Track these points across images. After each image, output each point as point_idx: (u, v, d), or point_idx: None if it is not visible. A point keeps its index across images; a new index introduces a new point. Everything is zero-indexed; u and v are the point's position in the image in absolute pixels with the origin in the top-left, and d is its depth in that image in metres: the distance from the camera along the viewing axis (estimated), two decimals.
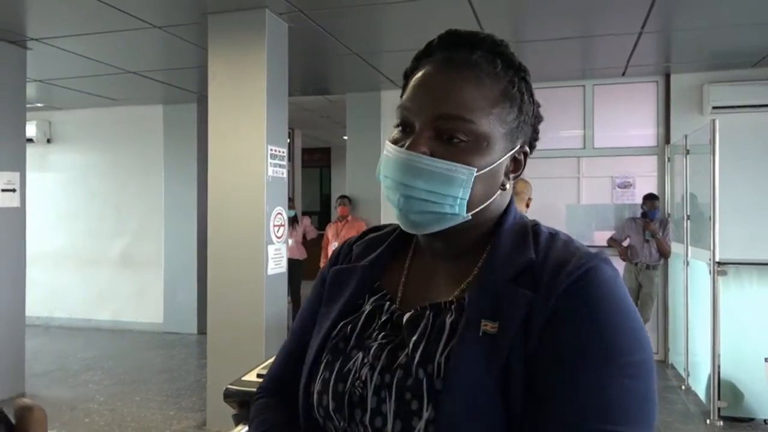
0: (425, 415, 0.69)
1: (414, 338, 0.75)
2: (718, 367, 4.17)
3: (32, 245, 5.82)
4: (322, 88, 6.65)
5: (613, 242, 5.79)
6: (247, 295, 4.02)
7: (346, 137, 7.02)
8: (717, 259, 4.17)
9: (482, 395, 0.67)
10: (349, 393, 0.76)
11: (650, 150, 6.00)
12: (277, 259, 4.14)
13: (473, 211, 0.76)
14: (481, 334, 0.70)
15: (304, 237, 6.96)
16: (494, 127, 0.76)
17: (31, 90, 6.02)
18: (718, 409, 4.15)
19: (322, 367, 0.80)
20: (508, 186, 0.81)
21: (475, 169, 0.74)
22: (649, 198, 5.57)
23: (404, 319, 0.78)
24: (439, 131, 0.75)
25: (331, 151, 12.46)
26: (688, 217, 4.95)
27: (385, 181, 0.78)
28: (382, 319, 0.81)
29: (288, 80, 4.34)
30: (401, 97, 0.82)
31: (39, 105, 7.28)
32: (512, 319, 0.69)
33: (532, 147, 0.84)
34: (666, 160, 5.89)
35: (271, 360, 1.93)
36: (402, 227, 0.81)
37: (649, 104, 5.99)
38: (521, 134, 0.80)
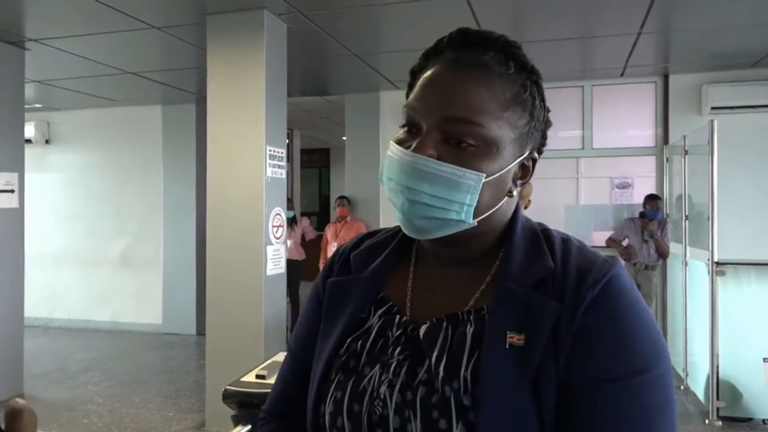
0: None
1: (435, 353, 0.72)
2: (717, 367, 4.17)
3: (31, 246, 5.82)
4: (320, 88, 6.65)
5: (612, 242, 5.80)
6: (246, 296, 4.01)
7: (344, 138, 7.03)
8: (715, 260, 4.17)
9: (517, 411, 0.65)
10: (367, 413, 0.72)
11: (649, 150, 6.01)
12: (275, 259, 4.14)
13: (479, 218, 0.73)
14: (507, 346, 0.68)
15: (302, 238, 6.96)
16: (504, 132, 0.73)
17: (29, 91, 6.02)
18: (717, 409, 4.15)
19: (332, 387, 0.76)
20: (515, 193, 0.78)
21: (484, 175, 0.71)
22: (651, 198, 5.58)
23: (421, 332, 0.74)
24: (447, 134, 0.72)
25: (330, 152, 12.47)
26: (687, 218, 4.96)
27: (388, 183, 0.75)
28: (395, 334, 0.77)
29: (287, 81, 4.34)
30: (407, 95, 0.80)
31: (37, 106, 7.27)
32: (541, 331, 0.67)
33: (539, 153, 0.81)
34: (665, 160, 5.90)
35: (270, 361, 1.93)
36: (405, 232, 0.78)
37: (647, 105, 6.00)
38: (531, 140, 0.78)
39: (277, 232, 4.15)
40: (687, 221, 4.95)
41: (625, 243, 5.71)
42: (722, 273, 4.20)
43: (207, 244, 4.14)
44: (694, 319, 4.75)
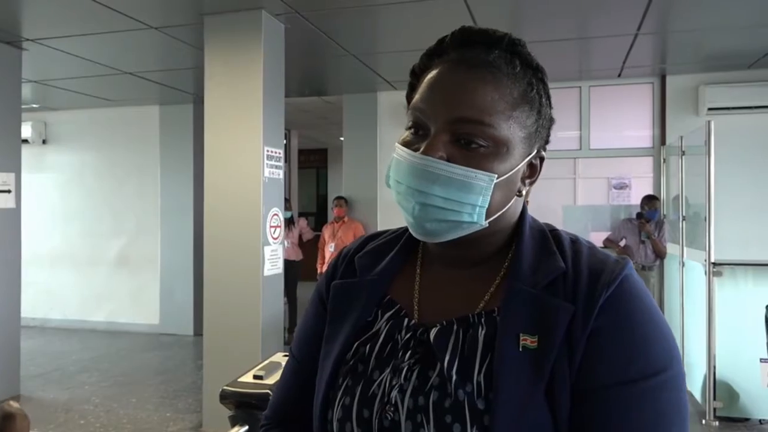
0: None
1: (447, 356, 0.71)
2: (714, 367, 4.18)
3: (28, 246, 5.81)
4: (318, 89, 6.65)
5: (609, 243, 5.80)
6: (244, 297, 4.01)
7: (342, 138, 7.03)
8: (712, 260, 4.18)
9: (533, 415, 0.65)
10: (378, 419, 0.71)
11: (646, 151, 6.02)
12: (273, 260, 4.13)
13: (490, 219, 0.73)
14: (521, 349, 0.67)
15: (300, 238, 6.95)
16: (514, 132, 0.72)
17: (26, 91, 6.01)
18: (714, 409, 4.16)
19: (340, 393, 0.75)
20: (524, 192, 0.77)
21: (496, 176, 0.70)
22: (650, 199, 5.59)
23: (432, 336, 0.73)
24: (456, 135, 0.71)
25: (328, 152, 12.47)
26: (684, 218, 4.97)
27: (397, 187, 0.73)
28: (405, 337, 0.76)
29: (285, 81, 4.33)
30: (408, 95, 0.79)
31: (34, 106, 7.26)
32: (555, 333, 0.67)
33: (544, 150, 0.80)
34: (662, 161, 5.91)
35: (267, 362, 1.93)
36: (414, 235, 0.76)
37: (645, 105, 6.01)
38: (538, 138, 0.77)
39: (274, 232, 4.14)
40: (684, 222, 4.96)
41: (622, 243, 5.72)
42: (719, 273, 4.20)
43: (204, 244, 4.14)
44: (691, 320, 4.76)
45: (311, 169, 12.54)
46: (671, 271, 5.53)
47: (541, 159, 0.79)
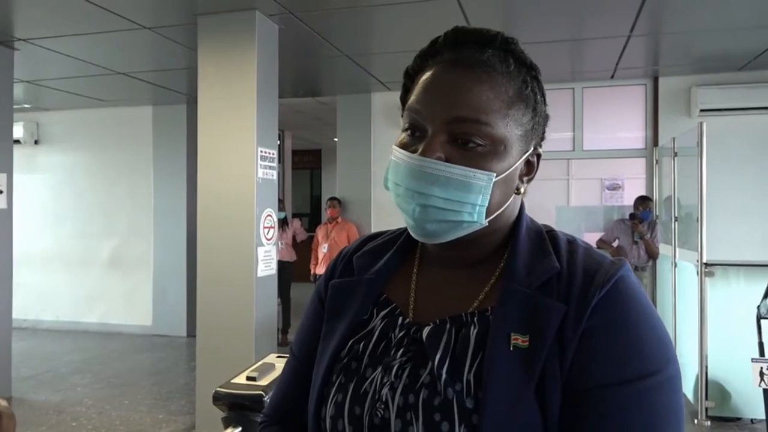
0: None
1: (438, 355, 0.71)
2: (706, 367, 4.20)
3: (20, 247, 5.77)
4: (312, 89, 6.64)
5: (602, 244, 5.82)
6: (237, 298, 4.00)
7: (336, 139, 7.02)
8: (704, 261, 4.20)
9: (521, 413, 0.64)
10: (369, 416, 0.71)
11: (639, 152, 6.05)
12: (267, 261, 4.12)
13: (490, 218, 0.73)
14: (511, 348, 0.67)
15: (294, 239, 6.94)
16: (511, 130, 0.72)
17: (18, 91, 5.97)
18: (706, 408, 4.18)
19: (333, 390, 0.76)
20: (522, 190, 0.77)
21: (495, 175, 0.71)
22: (643, 200, 5.61)
23: (424, 334, 0.73)
24: (453, 135, 0.71)
25: (322, 153, 12.46)
26: (676, 219, 4.99)
27: (396, 189, 0.73)
28: (398, 335, 0.76)
29: (278, 82, 4.33)
30: (402, 97, 0.79)
31: (26, 106, 7.21)
32: (546, 333, 0.67)
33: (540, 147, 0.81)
34: (654, 162, 5.94)
35: (261, 363, 1.92)
36: (415, 237, 0.76)
37: (637, 107, 6.04)
38: (535, 136, 0.77)
39: (268, 233, 4.14)
40: (676, 222, 4.99)
41: (615, 244, 5.74)
42: (711, 274, 4.23)
43: (197, 245, 4.12)
44: (683, 320, 4.79)
45: (305, 169, 12.53)
46: (663, 272, 5.56)
47: (538, 156, 0.79)
